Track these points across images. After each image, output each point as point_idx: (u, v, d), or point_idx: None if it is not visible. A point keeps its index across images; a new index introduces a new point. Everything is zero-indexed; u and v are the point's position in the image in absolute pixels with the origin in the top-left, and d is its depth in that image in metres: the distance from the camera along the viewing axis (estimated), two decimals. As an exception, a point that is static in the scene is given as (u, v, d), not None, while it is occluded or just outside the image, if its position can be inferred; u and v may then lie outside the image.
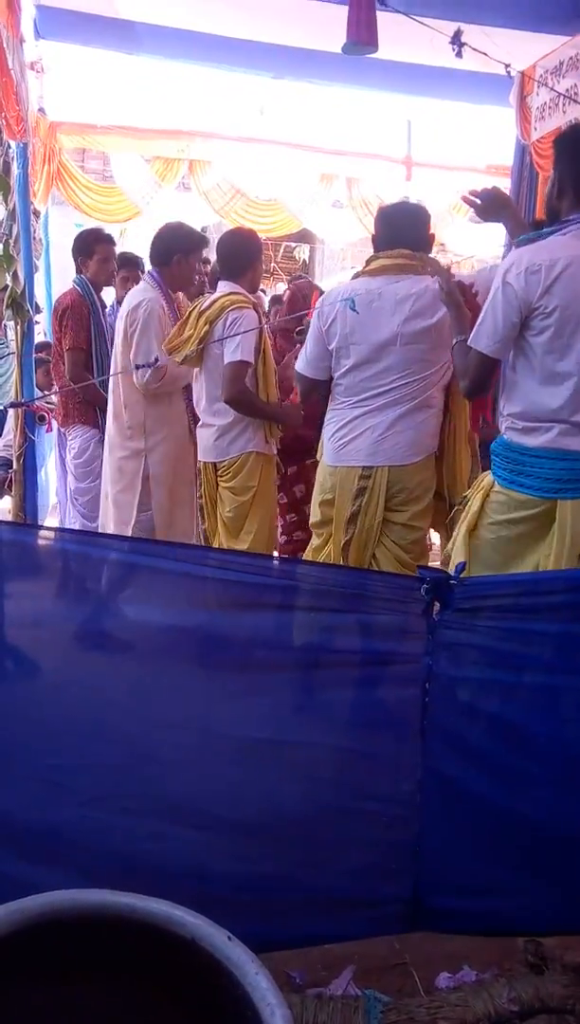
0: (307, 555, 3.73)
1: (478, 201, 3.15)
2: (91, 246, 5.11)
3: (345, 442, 3.43)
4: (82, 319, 4.91)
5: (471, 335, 2.81)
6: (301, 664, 2.08)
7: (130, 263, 5.61)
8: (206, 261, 6.50)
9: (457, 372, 3.04)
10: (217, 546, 4.15)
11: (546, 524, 2.72)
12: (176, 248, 4.35)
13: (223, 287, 4.16)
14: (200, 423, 4.28)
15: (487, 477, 2.90)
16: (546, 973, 2.07)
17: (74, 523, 5.06)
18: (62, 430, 5.08)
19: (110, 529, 4.52)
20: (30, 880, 1.67)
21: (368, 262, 3.54)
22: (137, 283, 5.47)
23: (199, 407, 4.26)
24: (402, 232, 3.44)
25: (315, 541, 3.66)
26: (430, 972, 2.18)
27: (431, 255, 3.54)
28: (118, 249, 5.92)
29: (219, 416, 4.10)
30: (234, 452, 4.08)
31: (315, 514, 3.60)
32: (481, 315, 2.80)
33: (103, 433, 4.89)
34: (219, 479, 4.16)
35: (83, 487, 5.03)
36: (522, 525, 2.76)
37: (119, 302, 5.48)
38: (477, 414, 3.53)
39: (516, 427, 2.78)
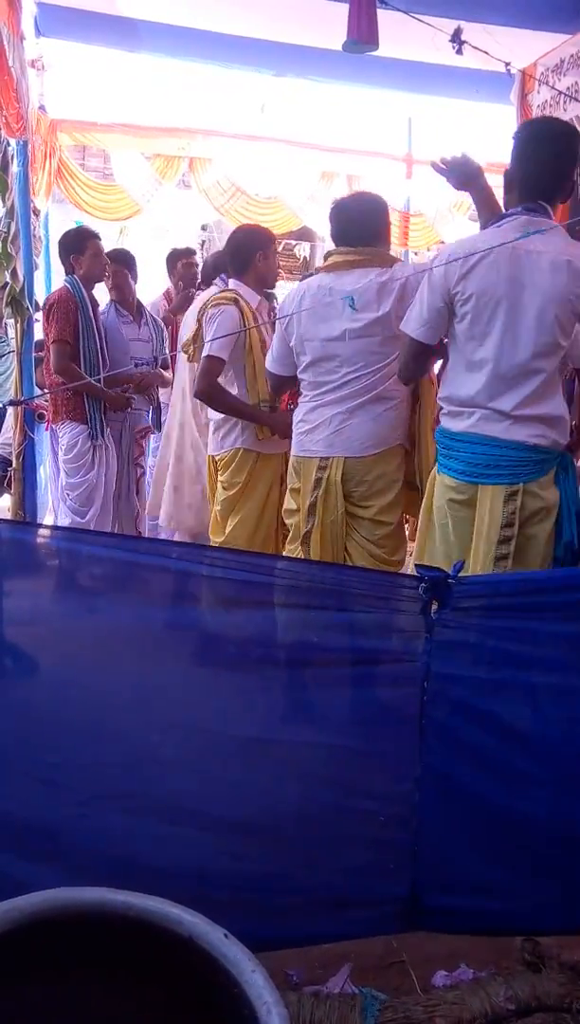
0: (286, 550, 3.74)
1: (445, 169, 3.20)
2: (82, 242, 5.07)
3: (305, 432, 3.47)
4: (68, 313, 4.86)
5: (403, 320, 2.95)
6: (300, 663, 2.08)
7: (121, 260, 5.58)
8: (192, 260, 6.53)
9: (399, 358, 3.15)
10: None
11: (473, 509, 2.78)
12: (256, 247, 4.26)
13: (226, 284, 4.22)
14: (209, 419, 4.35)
15: (436, 466, 2.98)
16: (543, 972, 2.07)
17: (65, 519, 5.05)
18: (53, 427, 5.05)
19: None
20: (28, 878, 1.68)
21: (325, 258, 3.58)
22: (124, 280, 5.49)
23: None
24: (351, 228, 3.46)
25: (291, 533, 3.68)
26: (427, 970, 2.18)
27: (433, 251, 3.56)
28: (115, 248, 5.93)
29: (214, 412, 4.15)
30: (226, 447, 4.12)
31: (287, 501, 3.64)
32: (413, 302, 2.92)
33: (93, 428, 4.91)
34: (217, 473, 4.21)
35: (74, 482, 4.99)
36: (454, 510, 2.83)
37: (115, 301, 5.48)
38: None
39: (445, 411, 2.87)
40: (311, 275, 3.76)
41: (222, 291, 4.14)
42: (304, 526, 3.44)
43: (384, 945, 2.24)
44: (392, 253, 3.69)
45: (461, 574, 1.96)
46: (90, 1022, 1.31)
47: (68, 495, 5.01)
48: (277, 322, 3.58)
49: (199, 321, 4.10)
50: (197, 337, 4.10)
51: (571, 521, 2.74)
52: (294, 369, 3.53)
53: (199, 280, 6.20)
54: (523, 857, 2.06)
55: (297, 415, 3.54)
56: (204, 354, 3.96)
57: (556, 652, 2.03)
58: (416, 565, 2.05)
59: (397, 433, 3.43)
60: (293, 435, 3.55)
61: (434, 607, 1.91)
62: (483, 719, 2.02)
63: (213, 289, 4.40)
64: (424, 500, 3.00)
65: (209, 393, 3.98)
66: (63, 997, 1.29)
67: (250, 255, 4.16)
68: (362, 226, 3.45)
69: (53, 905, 1.28)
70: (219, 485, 4.18)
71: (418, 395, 3.51)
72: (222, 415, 4.09)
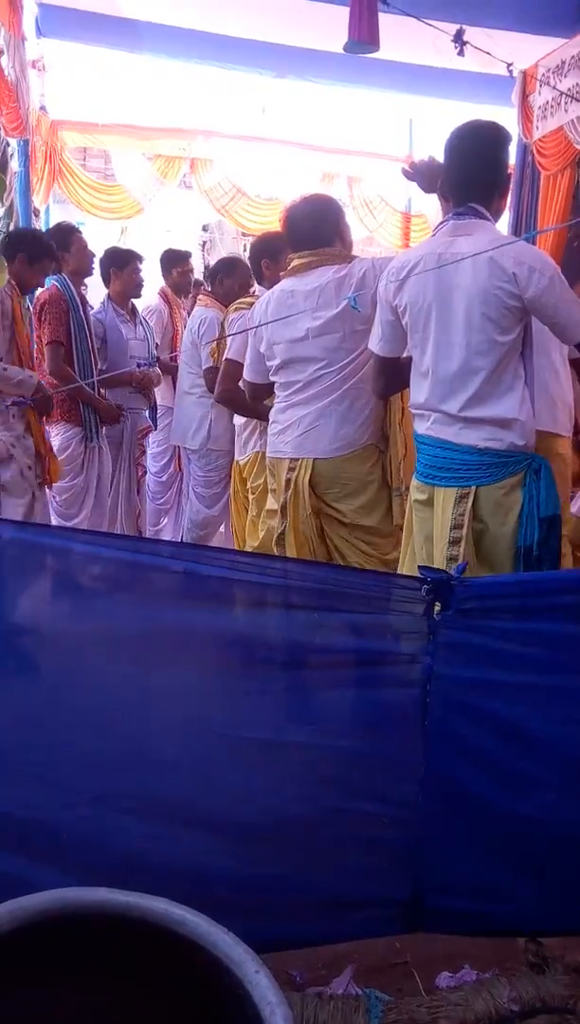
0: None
1: (413, 172, 3.27)
2: (67, 238, 5.04)
3: (276, 433, 3.49)
4: (61, 314, 4.86)
5: (369, 338, 3.05)
6: (301, 664, 2.08)
7: (134, 258, 5.59)
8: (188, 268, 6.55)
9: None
10: (239, 542, 4.29)
11: (432, 511, 2.82)
12: (261, 255, 4.31)
13: (257, 290, 4.40)
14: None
15: None
16: (547, 973, 2.07)
17: (52, 522, 5.04)
18: (46, 427, 5.04)
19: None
20: (30, 879, 1.67)
21: (287, 263, 3.59)
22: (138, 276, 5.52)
23: None
24: (303, 233, 3.48)
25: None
26: (431, 971, 2.18)
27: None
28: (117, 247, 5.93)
29: (238, 416, 4.24)
30: (248, 451, 4.23)
31: (269, 502, 3.66)
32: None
33: (86, 431, 4.91)
34: (244, 478, 4.30)
35: (63, 485, 4.98)
36: (418, 510, 2.90)
37: (112, 300, 5.48)
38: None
39: (413, 415, 2.94)
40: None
41: (244, 298, 4.32)
42: (278, 527, 3.46)
43: (387, 946, 2.24)
44: (392, 253, 3.72)
45: None
46: (93, 1023, 1.31)
47: (56, 498, 4.99)
48: (247, 331, 3.61)
49: (223, 325, 4.25)
50: (219, 339, 4.18)
51: (531, 526, 2.72)
52: (267, 375, 3.56)
53: (192, 288, 6.27)
54: (526, 859, 2.05)
55: (270, 416, 3.56)
56: (225, 357, 4.06)
57: (560, 654, 2.02)
58: (419, 566, 2.04)
59: (367, 433, 3.40)
60: (267, 435, 3.58)
61: (437, 608, 1.91)
62: (486, 721, 2.01)
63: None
64: (408, 503, 3.06)
65: (229, 397, 4.00)
66: (66, 998, 1.29)
67: (257, 263, 4.27)
68: (315, 229, 3.46)
69: (57, 905, 1.28)
70: (250, 493, 4.25)
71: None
72: (244, 421, 4.13)
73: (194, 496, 5.54)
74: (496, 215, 2.88)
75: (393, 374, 3.03)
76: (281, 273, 3.66)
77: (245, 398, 4.01)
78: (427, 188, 3.24)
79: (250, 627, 2.04)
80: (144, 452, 5.58)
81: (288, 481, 3.39)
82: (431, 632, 1.91)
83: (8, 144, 4.57)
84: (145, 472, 5.62)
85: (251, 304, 4.11)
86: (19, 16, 4.51)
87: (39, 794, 1.91)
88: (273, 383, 3.56)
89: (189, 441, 5.44)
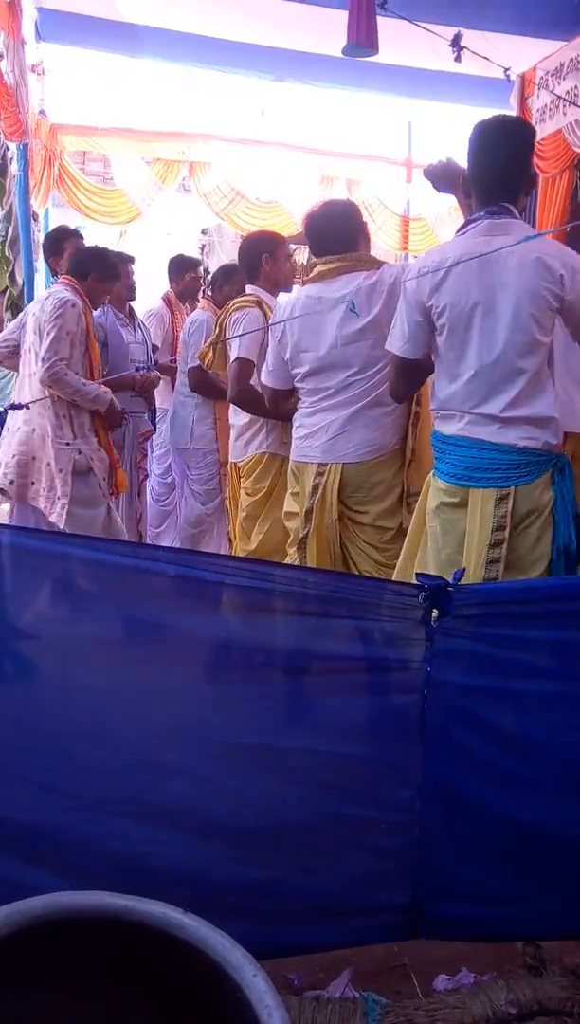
0: (291, 555, 3.74)
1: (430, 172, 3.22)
2: (59, 243, 5.04)
3: (303, 437, 3.46)
4: None
5: (387, 340, 2.95)
6: (300, 670, 2.08)
7: (125, 261, 5.59)
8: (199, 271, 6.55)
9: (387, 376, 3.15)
10: (237, 547, 4.22)
11: (465, 513, 2.75)
12: (259, 251, 4.30)
13: (247, 291, 4.27)
14: (230, 424, 4.38)
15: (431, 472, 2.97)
16: (545, 976, 2.07)
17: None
18: None
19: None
20: (29, 883, 1.68)
21: (309, 269, 3.58)
22: (131, 279, 5.51)
23: (230, 409, 4.35)
24: (326, 238, 3.47)
25: (291, 537, 3.68)
26: (428, 974, 2.18)
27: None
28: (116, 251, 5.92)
29: (238, 416, 4.18)
30: (250, 452, 4.14)
31: (288, 504, 3.63)
32: (393, 321, 2.93)
33: None
34: (239, 479, 4.23)
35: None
36: (445, 513, 2.81)
37: (111, 305, 5.48)
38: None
39: (437, 416, 2.86)
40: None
41: (244, 296, 4.19)
42: (301, 531, 3.44)
43: (385, 949, 2.24)
44: (393, 256, 3.71)
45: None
46: (92, 1027, 1.31)
47: None
48: (270, 336, 3.59)
49: (221, 326, 4.13)
50: (217, 342, 4.13)
51: (568, 524, 2.72)
52: (290, 382, 3.54)
53: (201, 293, 6.26)
54: (525, 865, 2.05)
55: (296, 421, 3.54)
56: (235, 356, 3.98)
57: (557, 660, 2.03)
58: (417, 573, 2.04)
59: (395, 438, 3.42)
60: (292, 439, 3.55)
61: (434, 615, 1.91)
62: (484, 727, 2.01)
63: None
64: (418, 505, 2.99)
65: (244, 397, 3.98)
66: (65, 1002, 1.29)
67: (256, 259, 4.21)
68: (338, 234, 3.45)
69: (55, 909, 1.28)
70: (242, 492, 4.19)
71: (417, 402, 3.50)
72: (246, 420, 4.09)
73: (190, 494, 5.55)
74: (520, 213, 2.83)
75: (413, 377, 2.99)
76: (304, 279, 3.65)
77: (261, 397, 3.99)
78: (442, 188, 3.22)
79: (248, 633, 2.05)
80: (145, 456, 5.58)
81: (315, 486, 3.37)
82: (429, 639, 1.92)
83: (7, 148, 4.57)
84: (146, 476, 5.62)
85: (252, 302, 4.10)
86: (18, 20, 4.52)
87: (38, 798, 1.92)
88: (294, 388, 3.54)
89: (180, 440, 5.49)
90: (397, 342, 2.88)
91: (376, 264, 3.42)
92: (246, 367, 3.97)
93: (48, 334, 4.19)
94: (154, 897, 1.33)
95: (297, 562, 3.48)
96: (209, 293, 5.50)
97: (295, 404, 3.78)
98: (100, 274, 4.52)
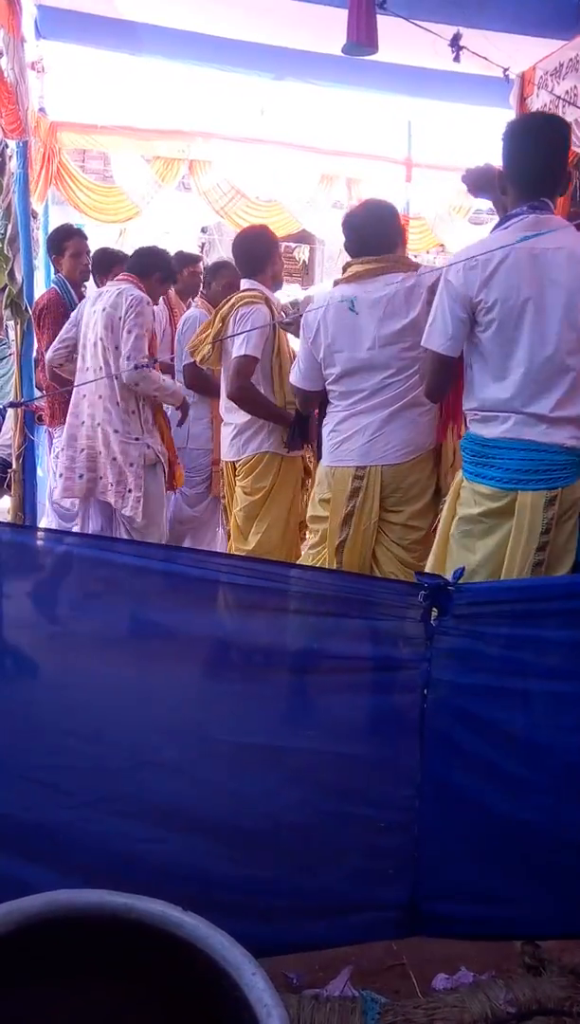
0: (305, 554, 3.72)
1: (466, 175, 3.22)
2: (61, 243, 5.04)
3: (338, 442, 3.43)
4: (59, 318, 4.83)
5: (424, 336, 2.84)
6: (300, 669, 2.08)
7: (121, 261, 5.57)
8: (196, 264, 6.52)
9: (420, 374, 3.08)
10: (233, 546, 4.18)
11: (509, 517, 2.71)
12: (270, 247, 4.30)
13: (243, 285, 4.20)
14: (223, 422, 4.32)
15: (459, 474, 2.91)
16: (544, 975, 2.07)
17: (52, 525, 5.02)
18: (49, 429, 5.02)
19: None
20: (29, 881, 1.68)
21: (344, 269, 3.56)
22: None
23: (221, 407, 4.31)
24: (367, 238, 3.46)
25: (311, 539, 3.66)
26: (427, 973, 2.19)
27: (433, 255, 3.53)
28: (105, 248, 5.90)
29: (236, 415, 4.13)
30: (249, 451, 4.10)
31: (314, 508, 3.60)
32: (430, 316, 2.83)
33: None
34: (235, 477, 4.18)
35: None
36: (488, 519, 2.76)
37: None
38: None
39: (477, 418, 2.79)
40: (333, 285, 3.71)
41: (247, 290, 4.12)
42: (338, 535, 3.41)
43: (384, 948, 2.25)
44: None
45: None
46: (91, 1025, 1.31)
47: (56, 500, 4.97)
48: (302, 337, 3.55)
49: (223, 320, 4.05)
50: (217, 337, 4.05)
51: None
52: (321, 383, 3.50)
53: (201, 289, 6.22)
54: (524, 864, 2.05)
55: (328, 425, 3.50)
56: (239, 353, 3.93)
57: (557, 659, 2.03)
58: (416, 573, 2.04)
59: (430, 439, 3.42)
60: (324, 444, 3.52)
61: (434, 614, 1.91)
62: (484, 726, 2.01)
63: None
64: (446, 508, 2.93)
65: (244, 394, 3.95)
66: (64, 999, 1.29)
67: (263, 254, 4.18)
68: (378, 235, 3.44)
69: (54, 907, 1.28)
70: (239, 491, 4.16)
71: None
72: (247, 419, 4.06)
73: (178, 494, 5.54)
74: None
75: (450, 375, 2.91)
76: (336, 280, 3.61)
77: (261, 396, 4.00)
78: (479, 193, 3.22)
79: (248, 632, 2.05)
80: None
81: (355, 489, 3.36)
82: (429, 638, 1.92)
83: (7, 146, 4.56)
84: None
85: (260, 299, 4.06)
86: (18, 18, 4.49)
87: (38, 796, 1.92)
88: (324, 390, 3.51)
89: (176, 439, 5.45)
90: (438, 339, 2.78)
91: (413, 267, 3.41)
92: (250, 365, 3.94)
93: (129, 332, 4.22)
94: (153, 895, 1.33)
95: (327, 563, 3.45)
96: (203, 291, 5.48)
97: (294, 407, 3.77)
98: (164, 275, 4.60)
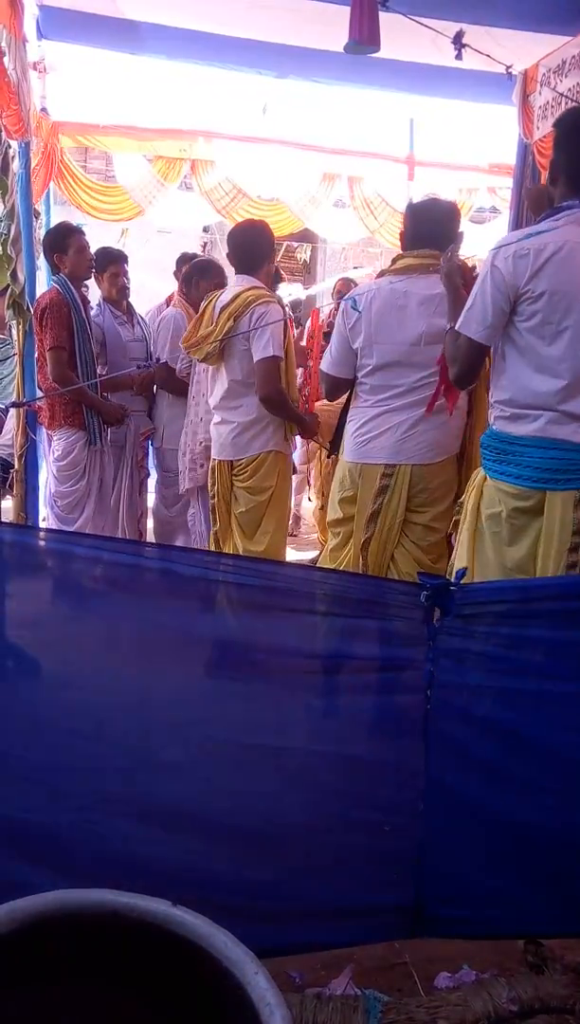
0: (324, 556, 3.71)
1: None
2: (64, 239, 4.99)
3: (367, 439, 3.41)
4: (62, 317, 4.80)
5: (460, 320, 2.76)
6: (302, 670, 2.07)
7: (117, 259, 5.57)
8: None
9: (447, 359, 2.99)
10: (231, 547, 4.15)
11: (538, 516, 2.67)
12: (268, 244, 4.27)
13: (241, 281, 4.14)
14: (214, 420, 4.26)
15: (479, 473, 2.86)
16: (546, 973, 2.07)
17: (49, 524, 5.02)
18: (48, 432, 5.02)
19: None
20: (29, 882, 1.67)
21: (394, 261, 3.53)
22: (126, 278, 5.47)
23: (216, 405, 4.24)
24: (430, 230, 3.42)
25: (332, 541, 3.63)
26: (430, 972, 2.18)
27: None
28: (105, 247, 5.91)
29: (239, 413, 4.08)
30: (253, 450, 4.07)
31: (334, 511, 3.57)
32: (469, 300, 2.75)
33: (90, 435, 4.87)
34: (234, 478, 4.13)
35: (63, 490, 4.95)
36: (515, 517, 2.70)
37: (107, 300, 5.47)
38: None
39: (504, 415, 2.73)
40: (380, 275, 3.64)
41: (254, 288, 4.06)
42: (364, 533, 3.39)
43: (386, 947, 2.24)
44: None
45: None
46: (93, 1024, 1.31)
47: (56, 502, 4.98)
48: (339, 322, 3.52)
49: (235, 318, 3.98)
50: (228, 335, 3.99)
51: None
52: (352, 372, 3.47)
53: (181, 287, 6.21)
54: (529, 866, 2.04)
55: (354, 421, 3.47)
56: (266, 355, 3.88)
57: (560, 659, 2.02)
58: (419, 573, 2.03)
59: (458, 442, 3.42)
60: (348, 441, 3.50)
61: (437, 615, 1.91)
62: (487, 727, 2.01)
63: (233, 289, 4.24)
64: (469, 509, 2.86)
65: (277, 397, 3.92)
66: (66, 999, 1.29)
67: (267, 253, 4.16)
68: (440, 230, 3.41)
69: (56, 907, 1.28)
70: (242, 491, 4.11)
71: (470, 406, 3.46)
72: (250, 418, 4.04)
73: (158, 496, 5.53)
74: None
75: (480, 363, 2.84)
76: (383, 269, 3.58)
77: (287, 398, 3.98)
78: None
79: (251, 632, 2.04)
80: (146, 454, 5.56)
81: (383, 487, 3.35)
82: (431, 638, 1.91)
83: (9, 146, 4.56)
84: (148, 474, 5.60)
85: (273, 298, 4.03)
86: (20, 18, 4.50)
87: (39, 798, 1.92)
88: (354, 379, 3.48)
89: (154, 438, 5.48)
90: (476, 326, 2.71)
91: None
92: (279, 365, 3.92)
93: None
94: (155, 897, 1.33)
95: (350, 565, 3.44)
96: (183, 290, 5.45)
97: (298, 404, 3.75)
98: (215, 284, 4.77)
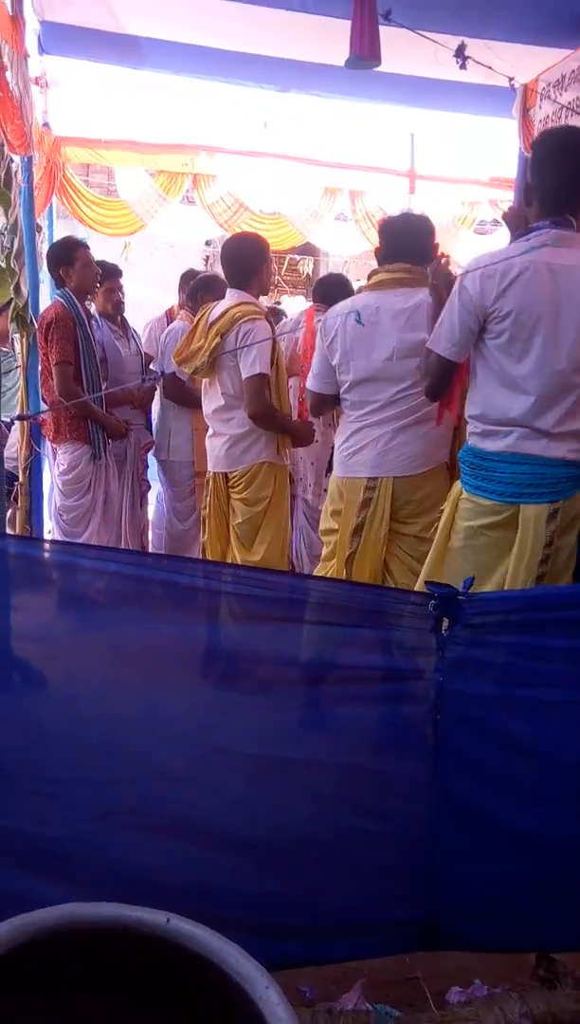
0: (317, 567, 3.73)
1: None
2: (71, 253, 4.98)
3: (350, 453, 3.44)
4: (68, 332, 4.79)
5: (431, 337, 2.87)
6: (310, 680, 2.06)
7: (112, 274, 5.58)
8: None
9: (421, 372, 3.08)
10: (230, 558, 4.18)
11: (512, 530, 2.74)
12: (261, 258, 4.27)
13: (232, 296, 4.15)
14: (209, 433, 4.29)
15: (457, 486, 2.93)
16: (558, 988, 2.06)
17: (54, 536, 5.02)
18: (53, 446, 5.02)
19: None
20: (35, 895, 1.66)
21: (370, 276, 3.56)
22: (121, 292, 5.48)
23: (210, 418, 4.27)
24: (402, 245, 3.45)
25: (323, 551, 3.66)
26: (441, 986, 2.17)
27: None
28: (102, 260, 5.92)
29: (231, 426, 4.11)
30: (247, 462, 4.09)
31: (326, 521, 3.61)
32: (440, 318, 2.85)
33: (95, 449, 4.87)
34: (230, 490, 4.15)
35: (69, 504, 4.95)
36: (489, 532, 2.78)
37: (103, 315, 5.47)
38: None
39: (478, 431, 2.81)
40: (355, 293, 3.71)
41: (242, 304, 4.08)
42: (348, 547, 3.41)
43: (397, 961, 2.22)
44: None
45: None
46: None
47: (62, 516, 4.98)
48: (319, 339, 3.56)
49: (222, 335, 4.01)
50: (216, 353, 4.03)
51: None
52: (335, 388, 3.51)
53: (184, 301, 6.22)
54: (542, 877, 2.02)
55: (340, 436, 3.51)
56: (253, 373, 3.91)
57: (570, 668, 2.01)
58: (427, 583, 2.03)
59: (443, 452, 3.42)
60: (336, 456, 3.53)
61: (445, 624, 1.90)
62: (497, 737, 1.99)
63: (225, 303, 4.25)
64: (443, 521, 2.94)
65: (266, 412, 3.95)
66: (76, 1012, 1.28)
67: (257, 266, 4.15)
68: (414, 244, 3.44)
69: (66, 921, 1.27)
70: (239, 503, 4.13)
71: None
72: (243, 430, 4.05)
73: (169, 510, 5.54)
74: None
75: (450, 378, 2.94)
76: (361, 287, 3.62)
77: (276, 413, 4.01)
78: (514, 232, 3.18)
79: (257, 642, 2.03)
80: (146, 467, 5.56)
81: (366, 500, 3.36)
82: (440, 648, 1.90)
83: (12, 160, 4.57)
84: (149, 487, 5.61)
85: (260, 314, 4.05)
86: (21, 33, 4.52)
87: (48, 810, 1.91)
88: (337, 395, 3.52)
89: (160, 451, 5.49)
90: (444, 343, 2.82)
91: None
92: (265, 382, 3.94)
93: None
94: (163, 909, 1.32)
95: (336, 575, 3.45)
96: (189, 304, 5.47)
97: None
98: None
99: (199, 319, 4.21)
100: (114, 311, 5.49)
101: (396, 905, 2.05)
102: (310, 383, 3.62)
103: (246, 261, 4.17)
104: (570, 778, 1.99)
